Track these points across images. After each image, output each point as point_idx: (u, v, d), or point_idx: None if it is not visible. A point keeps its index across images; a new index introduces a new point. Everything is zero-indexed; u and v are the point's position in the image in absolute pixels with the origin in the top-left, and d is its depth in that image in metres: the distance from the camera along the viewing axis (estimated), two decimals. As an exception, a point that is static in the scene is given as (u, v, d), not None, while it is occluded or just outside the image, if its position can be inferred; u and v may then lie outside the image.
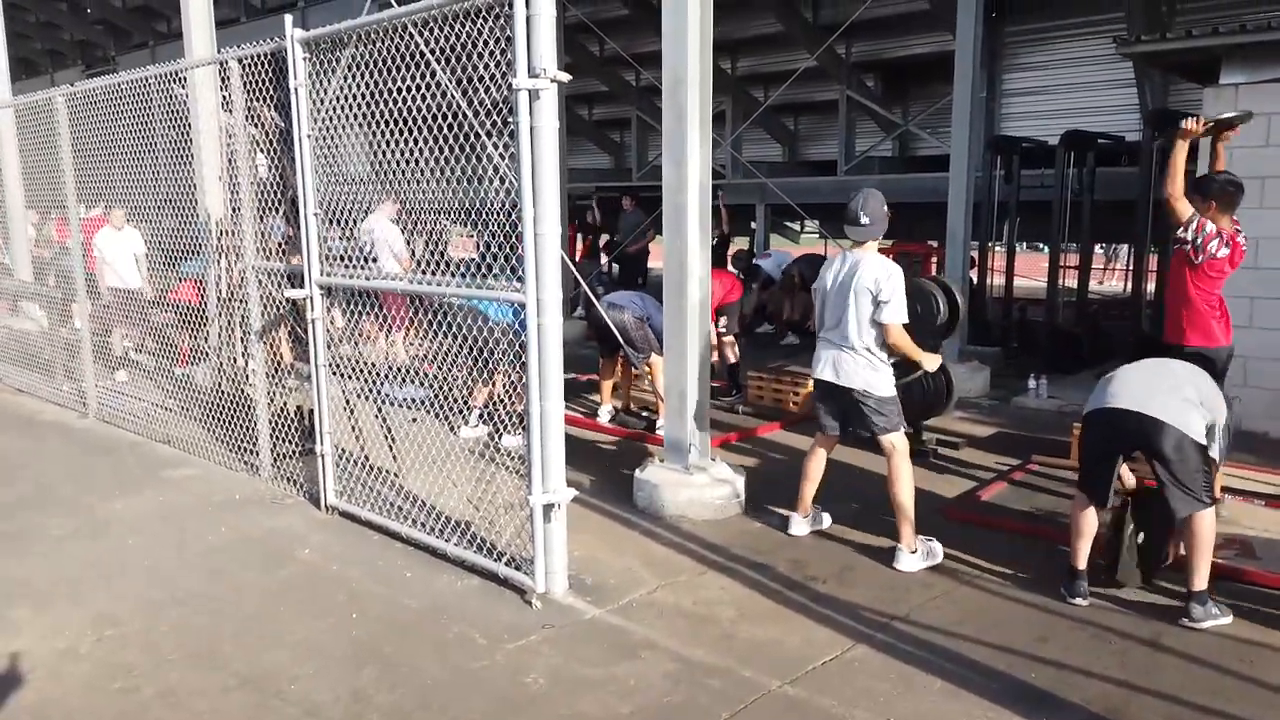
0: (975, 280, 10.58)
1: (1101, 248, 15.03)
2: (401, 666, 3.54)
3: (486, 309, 5.50)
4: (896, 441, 4.60)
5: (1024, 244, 13.82)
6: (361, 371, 5.15)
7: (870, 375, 4.56)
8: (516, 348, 4.09)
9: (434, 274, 4.51)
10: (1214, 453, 3.96)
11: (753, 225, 16.09)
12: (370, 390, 5.25)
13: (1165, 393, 3.95)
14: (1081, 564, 4.13)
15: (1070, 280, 10.73)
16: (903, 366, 4.93)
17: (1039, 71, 12.66)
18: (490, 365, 5.54)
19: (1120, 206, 10.16)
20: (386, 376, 5.18)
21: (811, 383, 7.54)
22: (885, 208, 4.58)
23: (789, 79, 12.00)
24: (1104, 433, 4.08)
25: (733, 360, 8.32)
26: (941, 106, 13.29)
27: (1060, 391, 8.28)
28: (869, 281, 4.45)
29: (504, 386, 6.76)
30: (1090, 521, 4.13)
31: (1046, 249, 14.29)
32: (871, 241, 4.58)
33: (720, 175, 14.38)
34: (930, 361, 4.84)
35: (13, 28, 12.91)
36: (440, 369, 5.95)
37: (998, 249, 11.33)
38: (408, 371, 6.06)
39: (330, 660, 3.59)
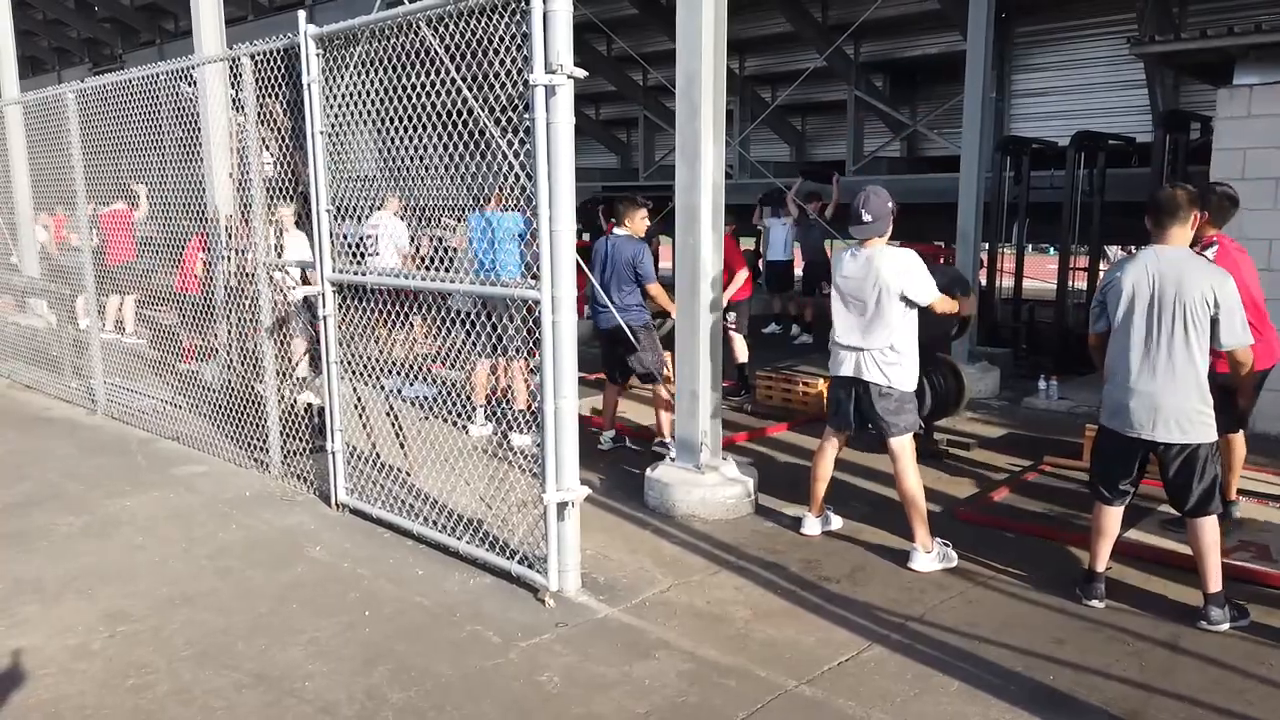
0: (985, 281, 10.55)
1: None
2: (414, 665, 3.53)
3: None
4: (906, 444, 4.58)
5: (1030, 246, 13.75)
6: (372, 369, 5.13)
7: (895, 371, 4.53)
8: (532, 341, 4.07)
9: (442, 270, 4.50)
10: (1225, 341, 3.77)
11: (758, 226, 16.05)
12: (380, 387, 5.24)
13: (1176, 393, 3.80)
14: (1100, 566, 4.10)
15: (1080, 282, 10.68)
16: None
17: (1049, 72, 12.62)
18: (499, 350, 5.51)
19: (1131, 208, 10.10)
20: (395, 373, 5.15)
21: (823, 382, 7.64)
22: (890, 204, 4.54)
23: (797, 79, 12.00)
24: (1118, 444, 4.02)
25: (743, 359, 8.30)
26: (950, 107, 13.28)
27: (1071, 392, 8.25)
28: (890, 278, 4.44)
29: (504, 378, 6.70)
30: (1113, 522, 4.09)
31: (1053, 250, 14.27)
32: (877, 238, 4.56)
33: (728, 175, 14.36)
34: (968, 305, 4.81)
35: (20, 25, 12.94)
36: (450, 365, 5.94)
37: (1006, 250, 11.29)
38: (415, 369, 6.03)
39: (343, 658, 3.58)
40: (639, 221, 6.40)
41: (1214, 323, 3.75)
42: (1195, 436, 3.81)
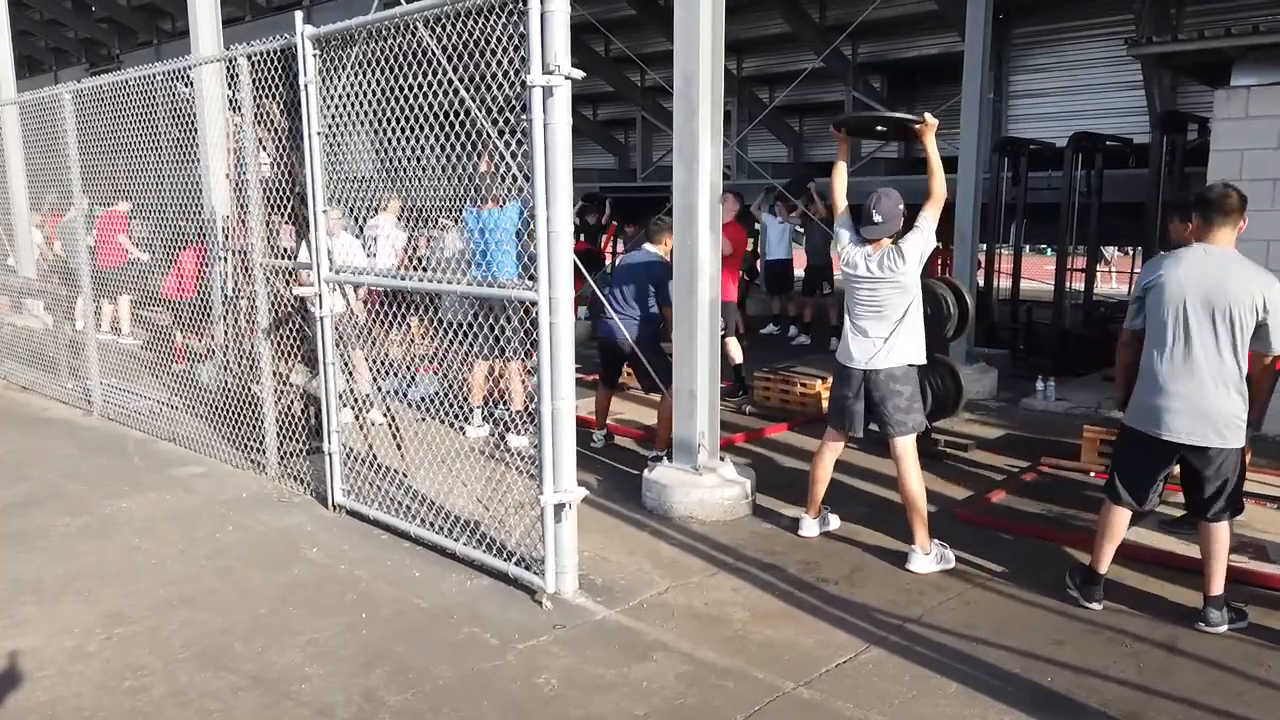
0: (982, 282, 10.56)
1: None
2: (412, 667, 3.52)
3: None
4: (910, 444, 4.59)
5: (1028, 246, 13.77)
6: (368, 369, 5.13)
7: (906, 350, 4.55)
8: (530, 340, 4.05)
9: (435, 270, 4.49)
10: (1274, 348, 3.71)
11: (756, 227, 16.09)
12: (378, 388, 5.23)
13: (1212, 395, 3.74)
14: (1103, 568, 4.08)
15: (1077, 283, 10.71)
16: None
17: (1047, 73, 12.63)
18: (492, 350, 5.45)
19: (1128, 209, 10.13)
20: (396, 374, 5.14)
21: (821, 383, 7.63)
22: (901, 206, 4.57)
23: (795, 80, 11.99)
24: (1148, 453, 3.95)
25: (737, 360, 8.29)
26: (948, 108, 13.25)
27: (1069, 393, 8.25)
28: (895, 260, 4.47)
29: (498, 378, 6.66)
30: (1123, 526, 4.06)
31: (1050, 251, 14.28)
32: (887, 240, 4.57)
33: (726, 176, 14.36)
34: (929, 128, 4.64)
35: (17, 25, 12.91)
36: (446, 366, 5.93)
37: (1004, 251, 11.31)
38: (412, 369, 6.04)
39: (340, 660, 3.57)
40: (669, 243, 6.12)
41: (1261, 326, 3.68)
42: (1233, 441, 3.77)
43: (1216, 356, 3.72)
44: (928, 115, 4.64)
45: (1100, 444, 5.98)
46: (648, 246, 6.39)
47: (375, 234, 7.06)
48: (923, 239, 4.49)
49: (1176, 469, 3.99)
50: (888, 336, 4.55)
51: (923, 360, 4.65)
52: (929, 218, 4.51)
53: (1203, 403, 3.74)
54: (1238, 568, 4.37)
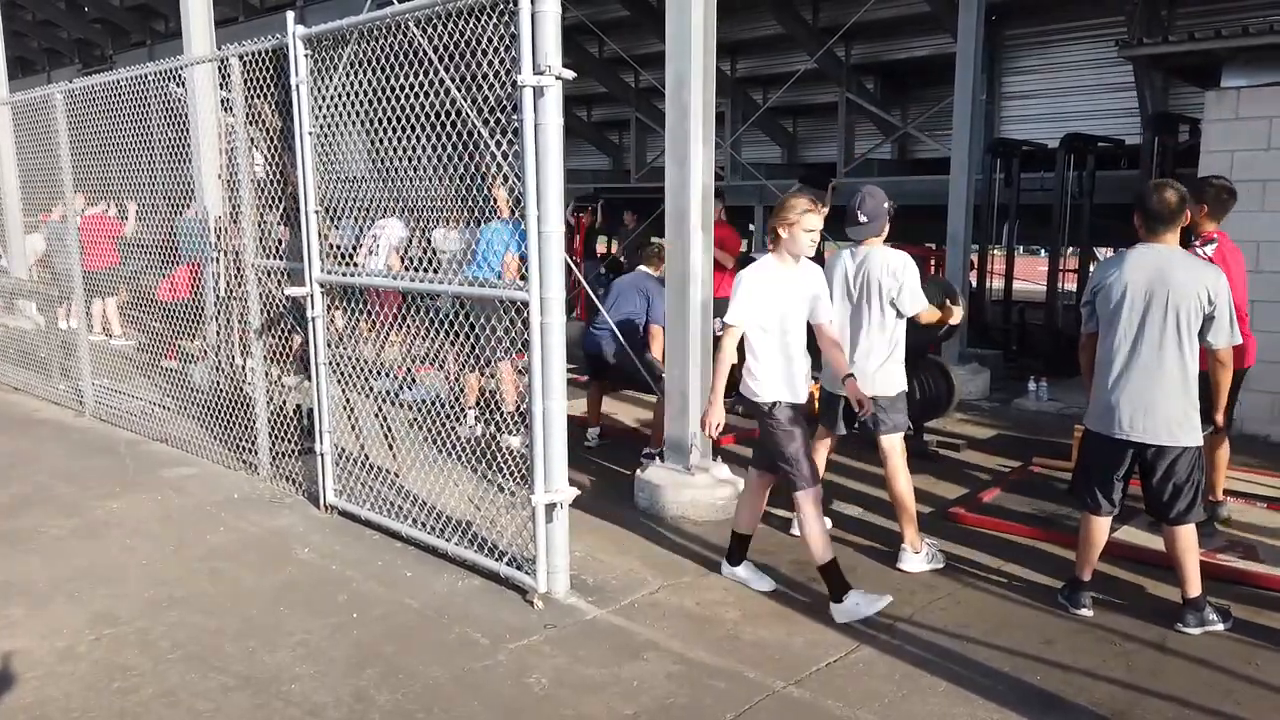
0: (975, 283, 10.58)
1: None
2: (403, 667, 3.52)
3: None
4: (896, 443, 4.58)
5: (1021, 248, 13.81)
6: (362, 371, 5.12)
7: (884, 377, 4.53)
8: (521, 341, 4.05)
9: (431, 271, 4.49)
10: (1215, 340, 3.77)
11: (751, 227, 16.08)
12: (369, 389, 5.23)
13: (1164, 396, 3.77)
14: (1087, 575, 4.06)
15: (1070, 284, 10.75)
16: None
17: (1039, 74, 12.67)
18: (485, 356, 5.44)
19: (1121, 210, 10.13)
20: (389, 375, 5.13)
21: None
22: (886, 204, 4.57)
23: (788, 81, 12.01)
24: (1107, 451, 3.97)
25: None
26: (941, 109, 13.30)
27: (1061, 394, 8.27)
28: (881, 275, 4.46)
29: (488, 380, 6.67)
30: (1101, 532, 4.04)
31: (1043, 253, 14.33)
32: (874, 238, 4.57)
33: (720, 177, 14.37)
34: (955, 315, 4.89)
35: (10, 26, 12.88)
36: (440, 369, 5.93)
37: (997, 252, 11.34)
38: (409, 373, 6.03)
39: (331, 661, 3.57)
40: (661, 267, 6.42)
41: (1207, 320, 3.72)
42: (1183, 440, 3.78)
43: (1164, 354, 3.74)
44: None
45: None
46: (641, 268, 6.64)
47: (382, 232, 7.03)
48: (909, 294, 4.51)
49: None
50: (860, 351, 4.54)
51: (900, 389, 4.62)
52: (924, 307, 4.58)
53: (1152, 401, 3.77)
54: (1227, 566, 4.39)
